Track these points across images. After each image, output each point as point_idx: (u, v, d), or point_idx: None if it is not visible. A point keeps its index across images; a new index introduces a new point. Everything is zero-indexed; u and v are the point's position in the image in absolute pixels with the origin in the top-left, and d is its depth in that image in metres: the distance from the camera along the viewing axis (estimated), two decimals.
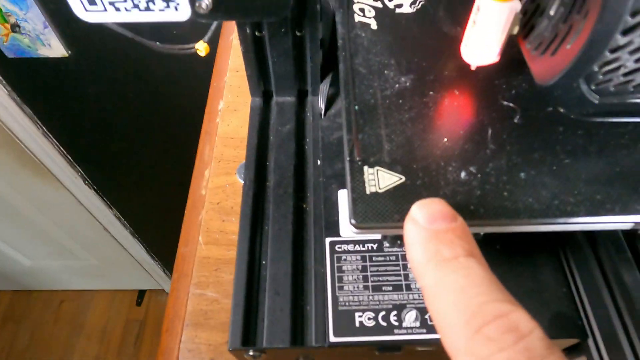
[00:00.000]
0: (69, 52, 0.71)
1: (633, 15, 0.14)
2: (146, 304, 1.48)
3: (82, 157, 0.94)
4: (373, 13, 0.24)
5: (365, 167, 0.19)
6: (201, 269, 0.33)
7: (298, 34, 0.28)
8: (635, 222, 0.18)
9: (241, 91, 0.43)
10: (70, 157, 0.93)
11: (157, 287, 1.47)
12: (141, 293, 1.49)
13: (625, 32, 0.14)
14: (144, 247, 1.26)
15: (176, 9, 0.20)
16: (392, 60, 0.22)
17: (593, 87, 0.17)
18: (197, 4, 0.20)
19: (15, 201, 1.02)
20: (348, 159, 0.19)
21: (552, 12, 0.16)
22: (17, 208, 1.04)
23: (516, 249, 0.24)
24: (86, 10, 0.19)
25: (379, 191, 0.18)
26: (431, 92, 0.21)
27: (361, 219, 0.18)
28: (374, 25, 0.24)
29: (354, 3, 0.25)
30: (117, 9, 0.20)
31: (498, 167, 0.19)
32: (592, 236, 0.22)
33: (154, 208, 1.08)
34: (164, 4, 0.20)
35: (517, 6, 0.17)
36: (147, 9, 0.20)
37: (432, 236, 0.15)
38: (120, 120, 0.84)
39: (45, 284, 1.42)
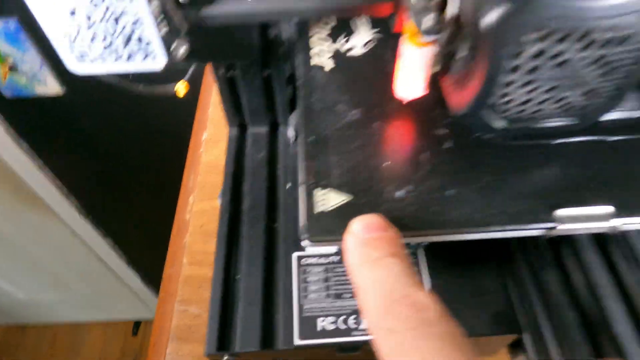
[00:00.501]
0: (64, 89, 0.75)
1: (510, 60, 0.18)
2: (142, 334, 1.48)
3: (76, 188, 0.97)
4: (327, 56, 0.28)
5: (316, 190, 0.22)
6: (185, 288, 0.36)
7: (266, 72, 0.32)
8: (547, 228, 0.21)
9: (223, 124, 0.46)
10: (65, 189, 0.96)
11: (153, 317, 1.48)
12: (137, 323, 1.50)
13: (508, 73, 0.18)
14: (139, 277, 1.27)
15: (154, 58, 0.23)
16: (342, 97, 0.26)
17: (500, 115, 0.20)
18: (173, 54, 0.23)
19: (10, 234, 1.04)
20: (302, 183, 0.22)
21: (459, 56, 0.20)
22: (11, 241, 1.06)
23: (460, 259, 0.27)
24: (77, 63, 0.23)
25: (328, 210, 0.21)
26: (374, 124, 0.24)
27: (312, 234, 0.21)
28: (328, 67, 0.27)
29: (311, 48, 0.28)
30: (103, 61, 0.23)
31: (429, 186, 0.22)
32: (522, 242, 0.26)
33: (148, 237, 1.11)
34: (143, 54, 0.23)
35: (434, 50, 0.21)
36: (129, 59, 0.23)
37: (365, 243, 0.18)
38: (112, 153, 0.88)
39: (39, 317, 1.42)
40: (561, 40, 0.17)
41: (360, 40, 0.28)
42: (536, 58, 0.18)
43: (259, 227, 0.31)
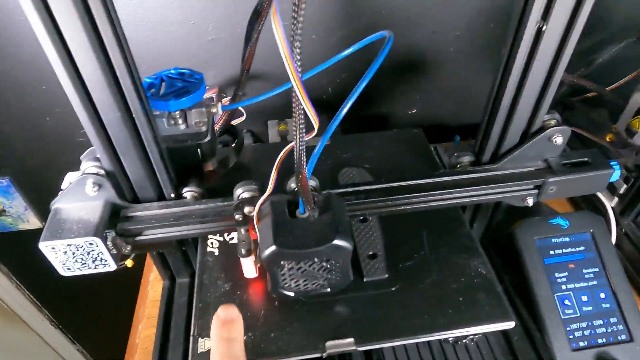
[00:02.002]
0: (43, 224, 0.91)
1: (278, 270, 0.36)
2: None
3: (48, 303, 1.10)
4: (217, 245, 0.47)
5: (199, 339, 0.39)
6: None
7: (184, 248, 0.50)
8: (320, 354, 0.39)
9: None
10: (38, 303, 1.09)
11: None
12: None
13: (280, 275, 0.37)
14: None
15: (109, 266, 0.41)
16: (221, 275, 0.44)
17: (289, 290, 0.39)
18: (120, 264, 0.41)
19: None
20: (192, 335, 0.40)
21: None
22: None
23: None
24: (65, 272, 0.41)
25: (204, 350, 0.39)
26: (238, 292, 0.43)
27: None
28: (216, 252, 0.46)
29: (208, 238, 0.47)
30: (79, 269, 0.41)
31: (262, 331, 0.40)
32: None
33: (112, 341, 1.22)
34: (101, 265, 0.41)
35: (252, 258, 0.40)
36: (95, 267, 0.41)
37: (221, 325, 0.34)
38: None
39: None
40: (298, 262, 0.36)
41: (236, 234, 0.47)
42: (290, 270, 0.37)
43: (178, 349, 0.48)
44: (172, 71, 0.45)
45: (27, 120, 0.74)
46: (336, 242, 0.34)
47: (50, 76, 0.68)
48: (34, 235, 0.94)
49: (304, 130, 0.28)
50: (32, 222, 0.91)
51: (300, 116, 0.27)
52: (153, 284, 0.62)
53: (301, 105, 0.27)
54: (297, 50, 0.25)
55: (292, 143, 0.30)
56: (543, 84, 0.40)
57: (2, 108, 0.72)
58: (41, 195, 0.87)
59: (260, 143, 0.68)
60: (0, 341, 1.14)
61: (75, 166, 0.43)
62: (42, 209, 0.89)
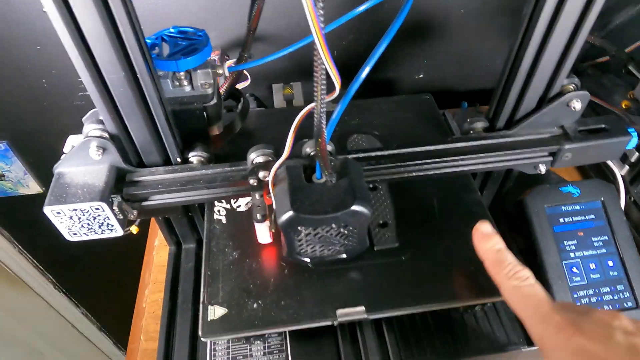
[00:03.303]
0: (43, 188, 0.90)
1: (295, 235, 0.36)
2: None
3: (53, 267, 1.10)
4: (224, 212, 0.46)
5: (209, 306, 0.39)
6: (144, 359, 0.52)
7: (190, 214, 0.49)
8: (332, 320, 0.39)
9: None
10: (42, 267, 1.09)
11: None
12: None
13: (297, 241, 0.36)
14: (111, 341, 1.39)
15: (115, 231, 0.40)
16: (229, 242, 0.43)
17: (303, 256, 0.38)
18: (126, 230, 0.41)
19: None
20: (202, 302, 0.39)
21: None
22: None
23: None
24: (71, 237, 0.40)
25: (215, 318, 0.39)
26: (246, 261, 0.42)
27: (205, 334, 0.38)
28: (224, 220, 0.45)
29: (214, 206, 0.46)
30: (87, 235, 0.40)
31: (272, 299, 0.40)
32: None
33: (117, 305, 1.24)
34: (108, 230, 0.40)
35: (267, 224, 0.39)
36: (102, 233, 0.40)
37: (483, 237, 0.37)
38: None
39: None
40: (315, 228, 0.35)
41: (243, 201, 0.46)
42: (307, 235, 0.36)
43: (187, 314, 0.48)
44: (172, 30, 0.42)
45: (22, 83, 0.72)
46: (355, 207, 0.33)
47: (45, 36, 0.66)
48: (35, 199, 0.93)
49: (325, 90, 0.27)
50: (32, 186, 0.89)
51: (322, 74, 0.26)
52: (158, 249, 0.61)
53: (323, 63, 0.25)
54: (320, 3, 0.23)
55: (311, 105, 0.29)
56: (566, 45, 0.38)
57: None
58: (40, 159, 0.85)
59: (265, 108, 0.66)
60: (4, 305, 1.15)
61: (74, 129, 0.41)
62: (42, 173, 0.88)
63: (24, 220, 0.99)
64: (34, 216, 1.00)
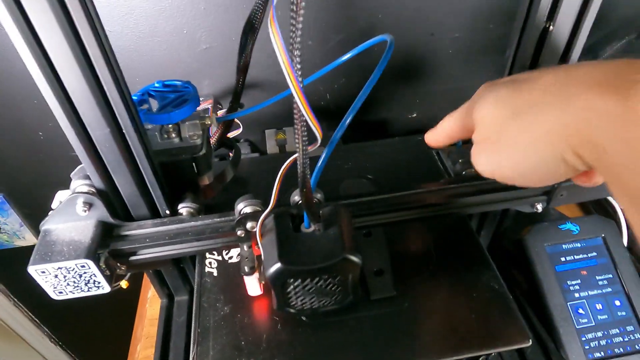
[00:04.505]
0: None
1: (284, 288, 0.34)
2: None
3: (48, 319, 1.08)
4: (215, 264, 0.45)
5: None
6: None
7: (182, 266, 0.48)
8: None
9: None
10: (37, 320, 1.07)
11: None
12: None
13: (286, 293, 0.35)
14: None
15: (102, 288, 0.39)
16: (220, 296, 0.42)
17: (294, 309, 0.37)
18: (114, 285, 0.40)
19: None
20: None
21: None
22: None
23: None
24: (56, 296, 0.39)
25: None
26: (238, 315, 0.41)
27: None
28: (215, 272, 0.44)
29: (206, 258, 0.45)
30: (72, 292, 0.39)
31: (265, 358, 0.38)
32: None
33: (112, 359, 1.20)
34: (95, 287, 0.39)
35: (256, 275, 0.38)
36: (89, 290, 0.39)
37: None
38: None
39: None
40: (304, 280, 0.34)
41: (235, 252, 0.45)
42: (296, 287, 0.35)
43: None
44: (157, 84, 0.43)
45: (20, 136, 0.73)
46: (345, 256, 0.32)
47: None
48: (30, 252, 0.92)
49: (306, 142, 0.27)
50: (27, 238, 0.89)
51: (302, 127, 0.26)
52: (151, 301, 0.60)
53: (303, 115, 0.25)
54: (297, 59, 0.23)
55: (295, 155, 0.28)
56: None
57: None
58: (36, 211, 0.85)
59: (258, 154, 0.66)
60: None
61: (70, 180, 0.41)
62: (38, 225, 0.87)
63: (20, 273, 0.97)
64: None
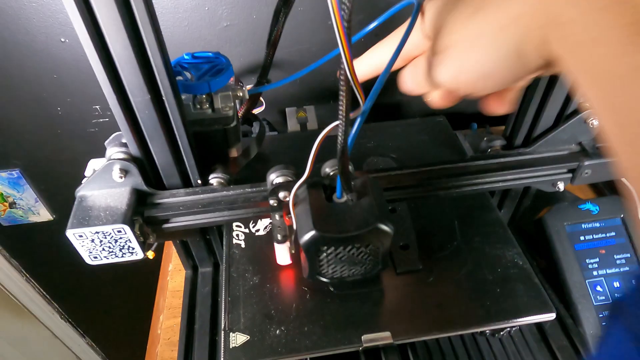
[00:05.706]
0: (54, 216, 0.90)
1: (317, 255, 0.35)
2: None
3: (59, 296, 1.09)
4: (243, 237, 0.45)
5: (231, 333, 0.38)
6: None
7: (208, 237, 0.49)
8: (357, 347, 0.38)
9: None
10: (48, 297, 1.08)
11: None
12: None
13: (318, 261, 0.35)
14: None
15: (136, 254, 0.40)
16: (249, 267, 0.43)
17: (324, 277, 0.38)
18: (146, 253, 0.40)
19: None
20: (222, 329, 0.39)
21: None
22: None
23: None
24: (91, 261, 0.40)
25: (237, 345, 0.38)
26: (267, 285, 0.41)
27: None
28: (243, 244, 0.45)
29: (233, 230, 0.46)
30: (106, 257, 0.40)
31: (295, 325, 0.39)
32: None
33: (123, 336, 1.22)
34: (129, 253, 0.40)
35: (287, 244, 0.39)
36: (123, 256, 0.40)
37: None
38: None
39: None
40: (337, 248, 0.35)
41: (262, 224, 0.46)
42: (329, 255, 0.35)
43: (205, 341, 0.47)
44: (186, 57, 0.43)
45: (39, 111, 0.73)
46: (378, 225, 0.32)
47: (62, 65, 0.67)
48: (45, 227, 0.93)
49: (349, 107, 0.27)
50: (42, 214, 0.89)
51: (347, 91, 0.26)
52: (172, 274, 0.61)
53: (349, 79, 0.26)
54: (346, 23, 0.24)
55: (334, 123, 0.29)
56: None
57: (13, 98, 0.71)
58: (51, 186, 0.85)
59: (277, 132, 0.66)
60: (10, 335, 1.13)
61: (87, 156, 0.41)
62: (52, 201, 0.88)
63: (33, 249, 0.98)
64: (43, 244, 1.00)
